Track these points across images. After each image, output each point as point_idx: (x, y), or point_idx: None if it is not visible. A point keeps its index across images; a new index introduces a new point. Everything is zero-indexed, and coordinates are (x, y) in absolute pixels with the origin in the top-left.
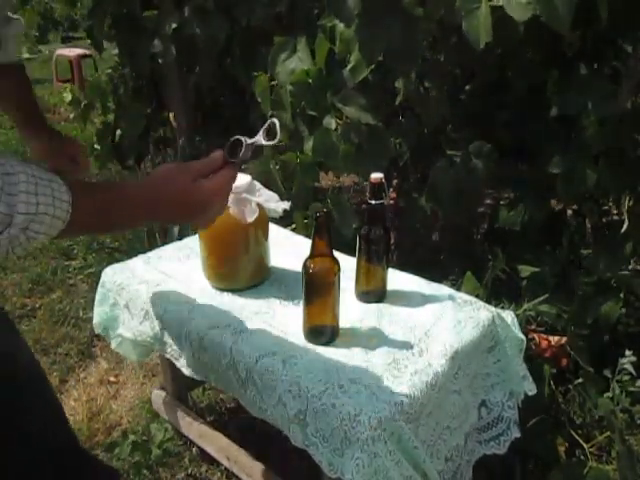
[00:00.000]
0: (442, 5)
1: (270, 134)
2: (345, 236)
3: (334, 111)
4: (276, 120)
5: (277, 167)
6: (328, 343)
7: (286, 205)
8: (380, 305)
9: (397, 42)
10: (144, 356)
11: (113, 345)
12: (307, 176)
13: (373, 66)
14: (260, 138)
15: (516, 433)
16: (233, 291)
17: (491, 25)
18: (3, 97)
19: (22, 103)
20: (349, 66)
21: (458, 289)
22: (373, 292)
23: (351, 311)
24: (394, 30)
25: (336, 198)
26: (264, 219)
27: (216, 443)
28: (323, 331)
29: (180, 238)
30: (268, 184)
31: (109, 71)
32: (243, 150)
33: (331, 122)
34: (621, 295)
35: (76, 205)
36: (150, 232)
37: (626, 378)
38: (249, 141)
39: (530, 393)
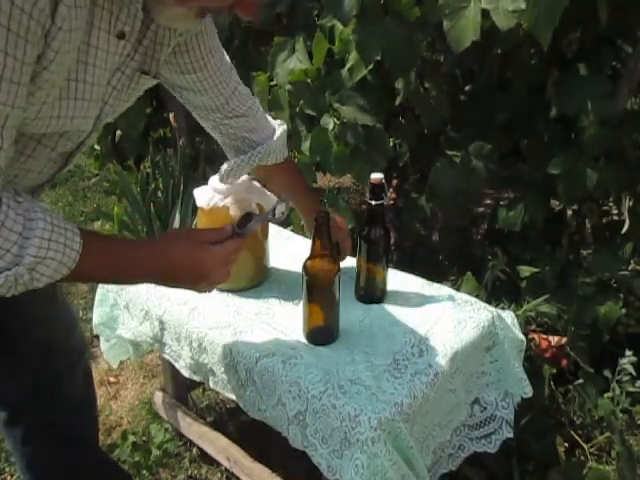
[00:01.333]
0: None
1: (278, 213)
2: None
3: (332, 111)
4: (286, 200)
5: None
6: (328, 344)
7: (282, 209)
8: (380, 305)
9: (395, 42)
10: (139, 356)
11: (103, 348)
12: (305, 176)
13: (372, 66)
14: (269, 215)
15: (508, 433)
16: (233, 292)
17: (479, 25)
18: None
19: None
20: (347, 66)
21: (458, 289)
22: (373, 292)
23: (351, 311)
24: (392, 30)
25: (333, 198)
26: (270, 205)
27: (216, 444)
28: (323, 331)
29: None
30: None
31: None
32: (252, 223)
33: (329, 122)
34: (621, 295)
35: (84, 257)
36: (150, 233)
37: (626, 378)
38: (257, 219)
39: (526, 395)
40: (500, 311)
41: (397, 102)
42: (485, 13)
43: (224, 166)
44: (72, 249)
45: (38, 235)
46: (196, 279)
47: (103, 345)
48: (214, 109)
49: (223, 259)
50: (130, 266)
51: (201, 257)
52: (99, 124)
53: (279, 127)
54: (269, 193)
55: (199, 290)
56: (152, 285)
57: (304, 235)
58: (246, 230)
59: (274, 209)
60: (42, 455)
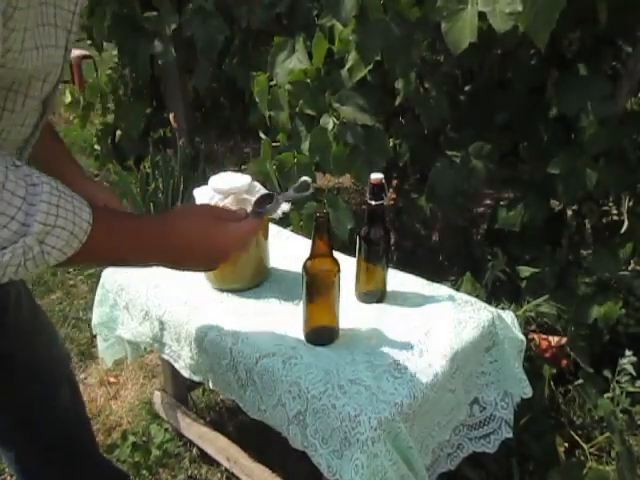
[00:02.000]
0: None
1: (301, 189)
2: (340, 236)
3: (332, 111)
4: (308, 178)
5: (274, 167)
6: (328, 344)
7: (286, 207)
8: (380, 305)
9: (395, 42)
10: (136, 356)
11: (100, 347)
12: (304, 176)
13: (371, 66)
14: (291, 192)
15: (507, 433)
16: (233, 292)
17: (476, 27)
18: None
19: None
20: (347, 66)
21: (458, 289)
22: (373, 292)
23: (351, 311)
24: (392, 30)
25: (332, 198)
26: (264, 220)
27: (216, 444)
28: (323, 332)
29: None
30: (265, 184)
31: (109, 72)
32: (272, 203)
33: (329, 122)
34: (621, 295)
35: (95, 229)
36: None
37: (626, 378)
38: (281, 197)
39: (525, 396)
40: (500, 311)
41: (397, 102)
42: (482, 15)
43: None
44: (82, 219)
45: (45, 200)
46: (211, 257)
47: (100, 344)
48: None
49: (240, 238)
50: (141, 239)
51: (218, 234)
52: (67, 55)
53: None
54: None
55: (211, 268)
56: (152, 286)
57: (304, 235)
58: (266, 210)
59: (295, 187)
60: (39, 469)
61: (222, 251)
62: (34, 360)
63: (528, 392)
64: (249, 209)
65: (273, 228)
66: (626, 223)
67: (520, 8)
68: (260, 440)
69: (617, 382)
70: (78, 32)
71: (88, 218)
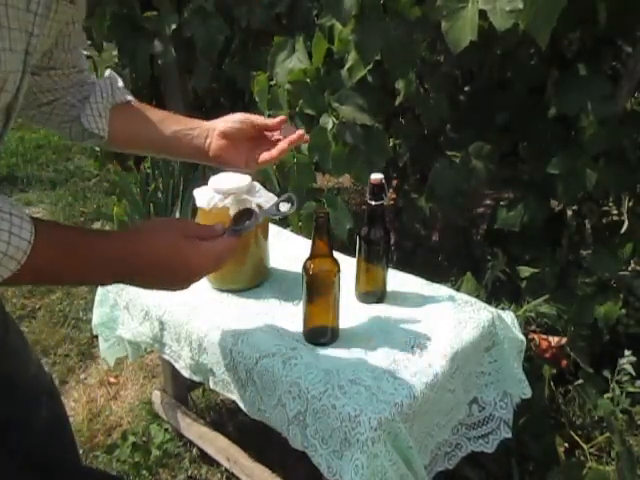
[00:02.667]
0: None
1: (284, 206)
2: (339, 236)
3: (331, 111)
4: (293, 195)
5: (274, 167)
6: (328, 344)
7: (286, 207)
8: (380, 306)
9: (395, 42)
10: (137, 356)
11: (102, 347)
12: (303, 176)
13: (371, 66)
14: (273, 208)
15: (506, 433)
16: (233, 292)
17: (477, 25)
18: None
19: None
20: (347, 66)
21: (458, 290)
22: (373, 293)
23: (351, 312)
24: (391, 30)
25: (332, 198)
26: (264, 220)
27: (216, 444)
28: (323, 332)
29: None
30: (264, 184)
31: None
32: (251, 220)
33: (328, 122)
34: (621, 296)
35: (40, 250)
36: None
37: (626, 379)
38: (261, 213)
39: (525, 396)
40: (500, 311)
41: (397, 102)
42: (483, 14)
43: (85, 112)
44: (21, 238)
45: None
46: (181, 278)
47: (102, 344)
48: (70, 62)
49: (212, 258)
50: (101, 262)
51: (189, 252)
52: (29, 60)
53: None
54: (270, 194)
55: (176, 289)
56: None
57: (304, 235)
58: (243, 228)
59: (277, 204)
60: None
61: (194, 271)
62: (10, 379)
63: (527, 392)
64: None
65: (273, 228)
66: (626, 223)
67: (521, 6)
68: (260, 440)
69: (617, 382)
70: (50, 36)
71: (29, 237)
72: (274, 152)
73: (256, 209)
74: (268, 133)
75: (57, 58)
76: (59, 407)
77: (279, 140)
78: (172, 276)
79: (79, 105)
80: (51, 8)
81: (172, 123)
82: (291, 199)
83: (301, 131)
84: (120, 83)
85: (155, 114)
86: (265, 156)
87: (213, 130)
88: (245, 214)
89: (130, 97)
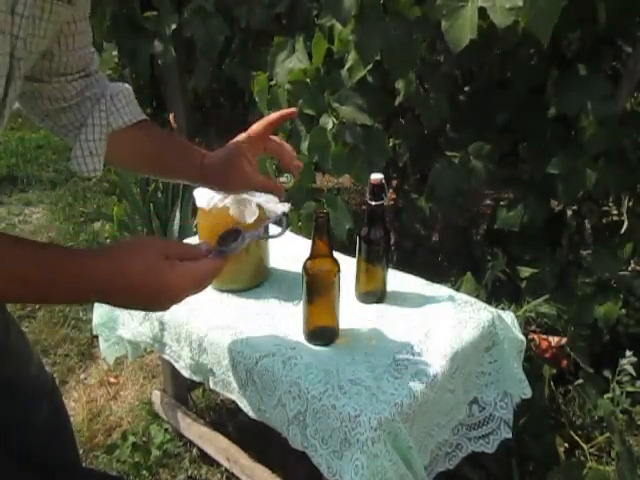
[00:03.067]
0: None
1: (274, 229)
2: (339, 237)
3: (331, 111)
4: (283, 216)
5: (274, 167)
6: (328, 344)
7: (286, 207)
8: (380, 306)
9: (395, 42)
10: (137, 356)
11: (102, 347)
12: (303, 176)
13: (371, 66)
14: (261, 231)
15: (507, 434)
16: (233, 292)
17: (477, 23)
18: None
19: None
20: (347, 66)
21: (458, 290)
22: (373, 293)
23: (351, 312)
24: (391, 30)
25: (331, 198)
26: (264, 220)
27: (216, 444)
28: (323, 332)
29: (180, 239)
30: None
31: (109, 72)
32: (237, 241)
33: (328, 122)
34: (621, 296)
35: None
36: (150, 233)
37: (626, 379)
38: (248, 235)
39: (525, 396)
40: (500, 311)
41: (397, 102)
42: (483, 14)
43: (75, 153)
44: None
45: None
46: (158, 300)
47: (102, 344)
48: (74, 64)
49: (194, 280)
50: (73, 282)
51: (168, 274)
52: (16, 64)
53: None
54: (270, 194)
55: (155, 310)
56: None
57: (304, 235)
58: (229, 249)
59: (266, 227)
60: None
61: (173, 293)
62: (11, 380)
63: (527, 393)
64: (250, 209)
65: (273, 229)
66: (626, 223)
67: (521, 3)
68: (260, 440)
69: (617, 382)
70: (46, 37)
71: None
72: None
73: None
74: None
75: (62, 60)
76: (60, 407)
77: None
78: (149, 298)
79: (74, 131)
80: (44, 9)
81: (170, 150)
82: (282, 221)
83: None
84: (123, 101)
85: (154, 141)
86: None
87: (213, 159)
88: (232, 234)
89: (131, 119)
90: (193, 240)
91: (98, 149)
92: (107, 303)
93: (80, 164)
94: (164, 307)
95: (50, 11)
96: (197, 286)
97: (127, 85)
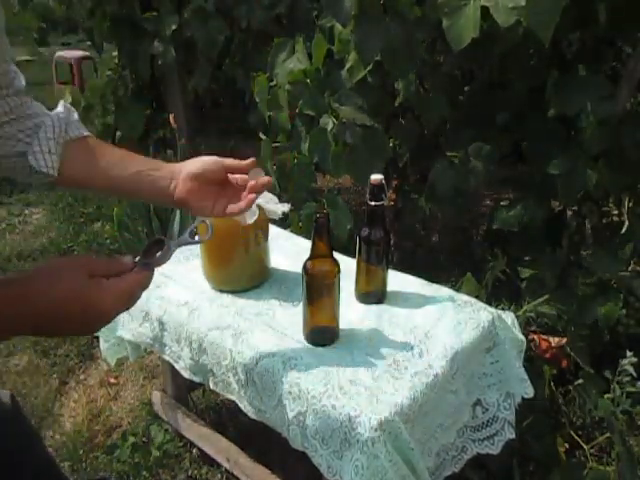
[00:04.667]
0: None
1: (198, 233)
2: (339, 237)
3: (331, 111)
4: (208, 220)
5: (274, 167)
6: (328, 344)
7: (286, 207)
8: (380, 306)
9: (395, 43)
10: (137, 356)
11: (102, 348)
12: (304, 176)
13: (371, 67)
14: (186, 237)
15: (510, 434)
16: (233, 292)
17: (479, 22)
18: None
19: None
20: (347, 66)
21: (458, 290)
22: (373, 293)
23: (351, 312)
24: (391, 31)
25: (332, 199)
26: (264, 221)
27: (216, 444)
28: (323, 332)
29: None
30: None
31: (109, 73)
32: (163, 251)
33: (328, 122)
34: (621, 296)
35: None
36: (150, 233)
37: (626, 379)
38: (173, 244)
39: (527, 396)
40: (500, 312)
41: (397, 102)
42: (485, 11)
43: (32, 149)
44: None
45: None
46: (85, 321)
47: (102, 345)
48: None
49: (120, 296)
50: None
51: (92, 292)
52: None
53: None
54: (269, 194)
55: (84, 334)
56: (152, 286)
57: (304, 236)
58: (154, 261)
59: (191, 232)
60: None
61: (99, 312)
62: None
63: (530, 392)
64: (250, 210)
65: (273, 229)
66: (626, 223)
67: (523, 2)
68: (260, 441)
69: (617, 383)
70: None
71: None
72: (242, 204)
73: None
74: (234, 176)
75: None
76: (23, 428)
77: (241, 185)
78: (76, 319)
79: (25, 139)
80: None
81: (133, 162)
82: (204, 220)
83: (267, 178)
84: (75, 116)
85: (114, 152)
86: (233, 208)
87: (179, 172)
88: (156, 245)
89: (86, 132)
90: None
91: (56, 149)
92: (36, 334)
93: (39, 159)
94: (93, 328)
95: None
96: (125, 302)
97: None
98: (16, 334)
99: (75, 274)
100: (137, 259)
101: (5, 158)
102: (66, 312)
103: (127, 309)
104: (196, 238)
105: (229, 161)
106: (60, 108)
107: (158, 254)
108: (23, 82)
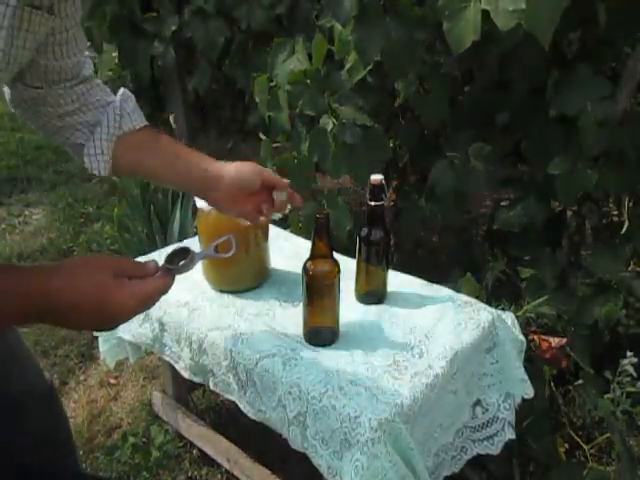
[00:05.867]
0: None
1: (222, 249)
2: (339, 237)
3: (331, 111)
4: (232, 237)
5: (274, 167)
6: (328, 345)
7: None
8: (380, 306)
9: (395, 43)
10: (137, 357)
11: (102, 349)
12: (304, 177)
13: (371, 67)
14: (211, 251)
15: (510, 435)
16: (233, 293)
17: (479, 25)
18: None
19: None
20: (347, 67)
21: (458, 290)
22: (373, 293)
23: (351, 312)
24: (391, 31)
25: (332, 199)
26: (264, 221)
27: (216, 445)
28: (323, 333)
29: (180, 240)
30: None
31: (109, 73)
32: (187, 260)
33: (328, 122)
34: (621, 296)
35: None
36: (150, 233)
37: (627, 379)
38: (197, 255)
39: (527, 396)
40: (500, 312)
41: (397, 103)
42: (485, 14)
43: (87, 150)
44: None
45: None
46: (103, 318)
47: (102, 346)
48: (71, 71)
49: (140, 298)
50: (14, 298)
51: (113, 292)
52: None
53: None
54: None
55: (101, 330)
56: None
57: (304, 236)
58: (177, 268)
59: (216, 247)
60: None
61: (117, 312)
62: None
63: (530, 392)
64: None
65: (273, 229)
66: (626, 224)
67: (524, 5)
68: (260, 441)
69: (618, 383)
70: (27, 48)
71: None
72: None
73: (193, 250)
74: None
75: (55, 69)
76: (60, 414)
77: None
78: (96, 316)
79: (84, 132)
80: (23, 18)
81: (179, 163)
82: (230, 243)
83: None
84: (131, 106)
85: (161, 149)
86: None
87: (221, 178)
88: (181, 254)
89: (138, 123)
90: (193, 241)
91: (109, 150)
92: (54, 323)
93: (92, 162)
94: (111, 325)
95: (29, 21)
96: (144, 304)
97: (131, 93)
98: (34, 322)
99: (100, 271)
100: (160, 265)
101: (68, 145)
102: (86, 306)
103: (144, 311)
104: (220, 253)
105: (269, 176)
106: (118, 96)
107: (181, 262)
108: (91, 69)
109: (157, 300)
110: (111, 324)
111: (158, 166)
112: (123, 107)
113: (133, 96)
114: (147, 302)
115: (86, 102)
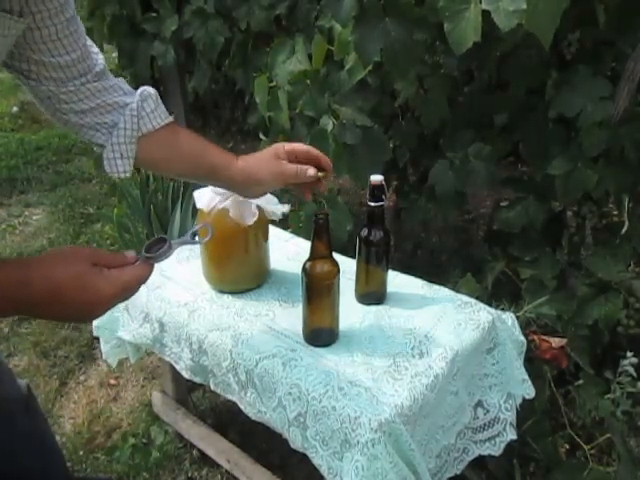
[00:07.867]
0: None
1: (198, 235)
2: (339, 238)
3: (331, 112)
4: (209, 225)
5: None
6: (328, 345)
7: (286, 208)
8: (380, 307)
9: (395, 44)
10: (138, 357)
11: (103, 349)
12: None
13: (371, 67)
14: (188, 237)
15: (512, 435)
16: (233, 293)
17: (480, 26)
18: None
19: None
20: (347, 67)
21: (458, 291)
22: (373, 294)
23: (351, 313)
24: (391, 31)
25: (332, 199)
26: (264, 221)
27: (216, 446)
28: (323, 333)
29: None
30: None
31: None
32: (164, 248)
33: (328, 123)
34: (621, 297)
35: None
36: (150, 234)
37: (627, 380)
38: (174, 242)
39: (528, 397)
40: (500, 312)
41: (397, 103)
42: (485, 14)
43: (107, 154)
44: None
45: None
46: (82, 309)
47: (103, 346)
48: (77, 68)
49: (119, 286)
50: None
51: (92, 281)
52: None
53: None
54: (270, 195)
55: (80, 321)
56: (152, 287)
57: (304, 237)
58: (156, 256)
59: (194, 232)
60: None
61: (97, 298)
62: None
63: (531, 393)
64: (250, 211)
65: (273, 230)
66: (626, 224)
67: (524, 6)
68: (261, 442)
69: (618, 383)
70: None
71: None
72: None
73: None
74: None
75: (55, 65)
76: (42, 427)
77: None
78: (77, 304)
79: (104, 132)
80: None
81: (201, 165)
82: (206, 230)
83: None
84: (150, 105)
85: (184, 148)
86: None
87: (247, 177)
88: (159, 243)
89: (160, 122)
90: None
91: (128, 152)
92: (33, 315)
93: (112, 165)
94: (91, 315)
95: (1, 25)
96: (123, 293)
97: (153, 90)
98: (13, 314)
99: (78, 261)
100: (139, 254)
101: (88, 142)
102: (65, 295)
103: (124, 300)
104: (196, 239)
105: (289, 171)
106: (137, 96)
107: (159, 251)
108: (102, 64)
109: (137, 289)
110: (91, 314)
111: (180, 168)
112: (142, 107)
113: (155, 93)
114: (126, 290)
115: (104, 103)
